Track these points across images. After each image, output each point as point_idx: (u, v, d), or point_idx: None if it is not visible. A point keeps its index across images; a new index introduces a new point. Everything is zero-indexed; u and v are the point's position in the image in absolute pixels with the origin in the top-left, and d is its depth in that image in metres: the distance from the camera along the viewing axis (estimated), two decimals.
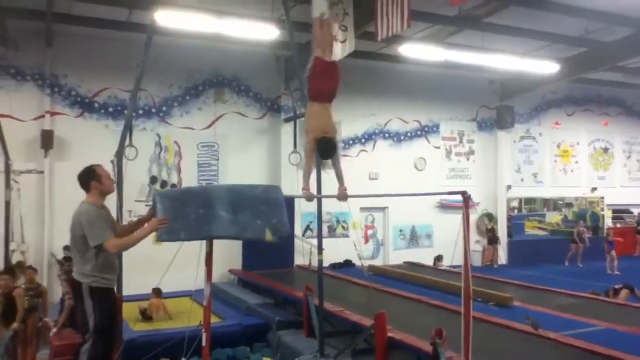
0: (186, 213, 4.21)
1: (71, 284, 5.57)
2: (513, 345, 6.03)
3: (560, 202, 18.70)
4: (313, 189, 5.87)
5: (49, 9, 10.29)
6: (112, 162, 7.02)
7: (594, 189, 18.84)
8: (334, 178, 5.38)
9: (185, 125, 13.00)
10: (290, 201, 10.20)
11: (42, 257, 11.31)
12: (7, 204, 10.20)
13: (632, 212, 19.73)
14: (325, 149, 5.10)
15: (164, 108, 12.81)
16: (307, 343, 7.40)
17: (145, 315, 9.15)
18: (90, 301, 4.67)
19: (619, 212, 19.66)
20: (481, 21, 11.71)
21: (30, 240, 11.06)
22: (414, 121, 15.92)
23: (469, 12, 11.27)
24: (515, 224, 17.47)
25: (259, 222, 4.29)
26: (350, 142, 14.95)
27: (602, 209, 18.85)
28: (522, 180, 17.64)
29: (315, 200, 6.56)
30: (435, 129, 16.27)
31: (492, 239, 16.31)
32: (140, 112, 12.42)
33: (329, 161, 5.43)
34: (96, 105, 12.18)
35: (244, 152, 13.51)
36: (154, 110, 12.70)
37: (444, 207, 15.59)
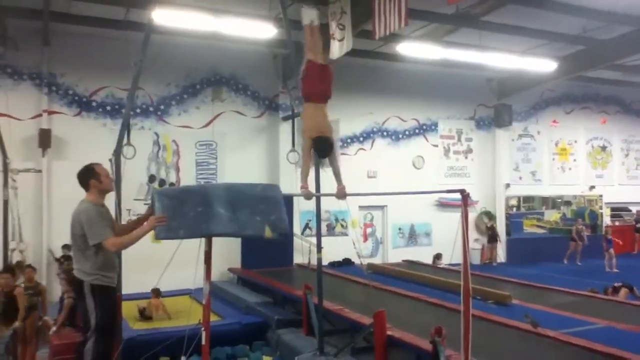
0: (185, 211, 4.21)
1: (71, 282, 5.57)
2: (512, 344, 6.03)
3: (559, 200, 18.73)
4: (311, 188, 5.88)
5: (47, 8, 10.28)
6: (110, 160, 6.99)
7: (592, 187, 18.87)
8: (332, 177, 5.40)
9: (183, 124, 12.99)
10: (289, 200, 10.20)
11: (41, 256, 11.31)
12: (6, 203, 10.18)
13: (630, 210, 19.76)
14: (321, 148, 5.15)
15: (162, 107, 12.80)
16: (306, 341, 7.39)
17: (144, 315, 9.14)
18: (91, 299, 4.67)
19: (618, 210, 19.69)
20: (478, 19, 11.71)
21: (29, 239, 11.04)
22: (412, 119, 15.93)
23: (466, 10, 11.28)
24: (513, 222, 17.49)
25: (258, 219, 4.29)
26: (349, 140, 14.95)
27: (601, 207, 18.88)
28: (520, 178, 17.66)
29: (314, 198, 6.55)
30: (433, 127, 16.27)
31: (492, 237, 16.33)
32: (138, 110, 12.41)
33: (327, 160, 5.44)
34: (94, 104, 12.16)
35: (242, 151, 13.50)
36: (151, 109, 12.68)
37: (443, 205, 15.60)
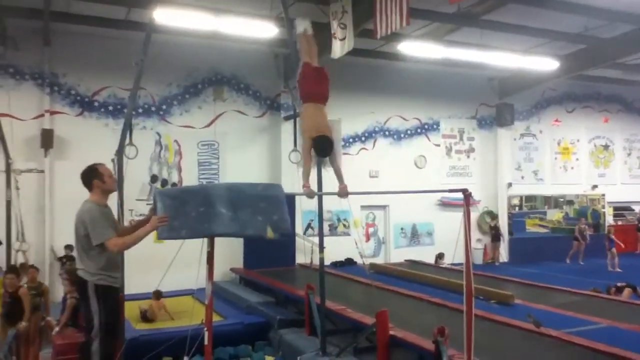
0: (186, 211, 4.21)
1: (74, 282, 5.57)
2: (515, 343, 6.02)
3: (561, 200, 18.71)
4: (313, 187, 5.88)
5: (47, 8, 10.28)
6: (112, 161, 7.00)
7: (594, 187, 18.83)
8: (334, 176, 5.41)
9: (185, 123, 13.00)
10: (291, 199, 10.16)
11: (43, 256, 11.33)
12: (9, 204, 10.19)
13: (633, 210, 19.73)
14: (321, 148, 5.20)
15: (164, 106, 12.81)
16: (308, 341, 7.39)
17: (146, 318, 9.12)
18: (95, 299, 4.67)
19: (620, 210, 19.66)
20: (480, 18, 11.69)
21: (31, 239, 11.05)
22: (414, 119, 15.92)
23: (467, 9, 11.26)
24: (516, 222, 17.48)
25: (260, 219, 4.28)
26: (351, 140, 14.94)
27: (603, 207, 18.84)
28: (522, 177, 17.63)
29: (316, 198, 6.55)
30: (435, 126, 16.25)
31: (496, 237, 16.30)
32: (140, 110, 12.41)
33: (328, 160, 5.49)
34: (96, 104, 12.17)
35: (244, 151, 13.50)
36: (153, 108, 12.69)
37: (445, 205, 15.58)
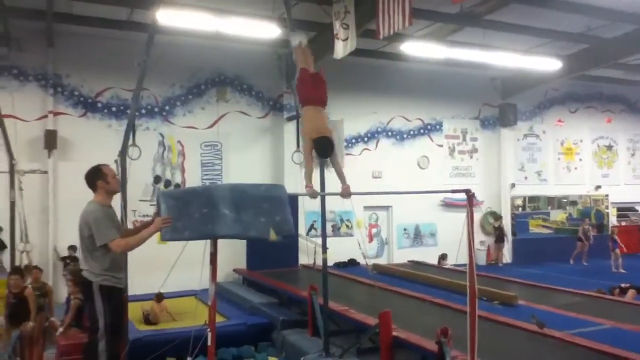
0: (190, 212, 4.21)
1: (78, 283, 5.58)
2: (518, 344, 6.01)
3: (565, 200, 18.66)
4: (316, 188, 5.89)
5: (50, 9, 10.30)
6: (115, 161, 7.01)
7: (598, 187, 18.78)
8: (337, 177, 5.43)
9: (188, 124, 13.01)
10: (294, 200, 10.17)
11: (47, 257, 11.35)
12: (13, 205, 10.22)
13: (637, 210, 19.67)
14: (322, 149, 5.25)
15: (167, 107, 12.83)
16: (311, 342, 7.39)
17: (149, 321, 9.12)
18: (100, 300, 4.68)
19: (624, 210, 19.59)
20: (482, 19, 11.69)
21: (35, 240, 11.08)
22: (417, 119, 15.91)
23: (470, 9, 11.25)
24: (519, 223, 17.43)
25: (263, 220, 4.28)
26: (353, 140, 14.93)
27: (607, 207, 18.79)
28: (525, 178, 17.59)
29: (319, 198, 6.56)
30: (438, 127, 16.23)
31: (500, 237, 16.27)
32: (143, 111, 12.43)
33: (330, 161, 5.56)
34: (99, 105, 12.20)
35: (247, 151, 13.51)
36: (156, 109, 12.71)
37: (448, 205, 15.57)
